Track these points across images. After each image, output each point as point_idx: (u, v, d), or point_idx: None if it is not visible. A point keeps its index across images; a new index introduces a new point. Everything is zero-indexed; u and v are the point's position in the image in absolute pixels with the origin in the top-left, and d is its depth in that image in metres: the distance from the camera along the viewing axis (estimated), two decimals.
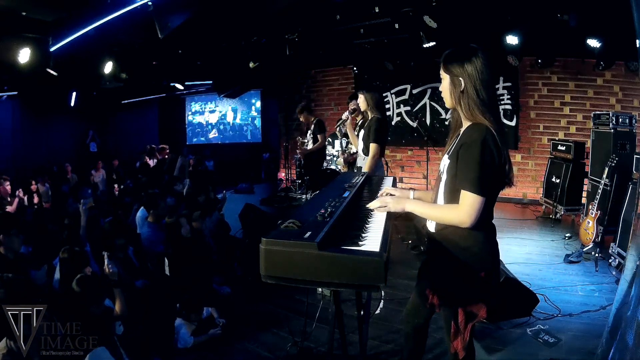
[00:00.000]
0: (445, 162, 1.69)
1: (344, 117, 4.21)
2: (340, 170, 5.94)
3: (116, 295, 2.58)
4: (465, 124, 1.67)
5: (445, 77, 1.68)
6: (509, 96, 7.18)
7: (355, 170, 4.06)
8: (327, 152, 7.11)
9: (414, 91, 8.05)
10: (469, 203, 1.52)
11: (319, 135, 6.51)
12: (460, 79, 1.61)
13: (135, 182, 6.39)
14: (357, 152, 4.59)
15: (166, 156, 9.55)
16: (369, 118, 3.86)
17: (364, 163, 3.84)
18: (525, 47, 6.06)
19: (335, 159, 6.95)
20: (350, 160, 4.64)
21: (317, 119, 6.87)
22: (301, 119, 6.71)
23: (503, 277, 2.92)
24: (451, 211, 1.59)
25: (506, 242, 4.82)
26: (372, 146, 3.69)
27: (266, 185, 9.89)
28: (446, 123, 7.47)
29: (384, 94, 8.31)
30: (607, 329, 2.21)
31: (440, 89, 1.75)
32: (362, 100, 3.89)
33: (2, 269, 2.76)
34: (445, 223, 1.63)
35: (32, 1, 4.44)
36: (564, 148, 5.81)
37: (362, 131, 3.92)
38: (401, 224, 5.27)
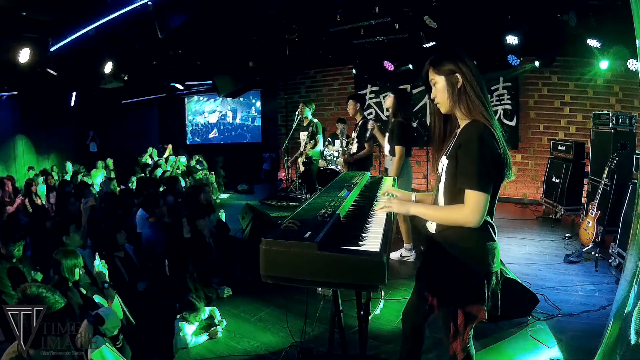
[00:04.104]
0: (443, 162, 1.68)
1: (369, 126, 4.41)
2: (340, 170, 5.94)
3: (107, 296, 2.56)
4: (462, 123, 1.66)
5: (439, 80, 1.64)
6: (509, 96, 7.17)
7: (384, 172, 4.33)
8: (327, 151, 7.10)
9: (414, 91, 8.04)
10: (474, 201, 1.51)
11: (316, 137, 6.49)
12: (457, 75, 1.59)
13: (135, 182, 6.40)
14: (356, 152, 4.67)
15: (168, 154, 9.52)
16: (392, 121, 4.08)
17: (391, 164, 4.09)
18: (525, 47, 6.06)
19: (335, 159, 6.94)
20: (351, 161, 4.65)
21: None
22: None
23: (503, 277, 2.92)
24: (457, 211, 1.56)
25: (506, 242, 4.83)
26: (397, 148, 3.95)
27: (266, 185, 9.88)
28: None
29: (383, 95, 8.31)
30: (607, 329, 2.20)
31: (432, 96, 1.69)
32: (389, 101, 4.11)
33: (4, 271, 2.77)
34: (452, 224, 1.60)
35: (32, 1, 4.44)
36: (564, 148, 5.81)
37: (387, 134, 4.16)
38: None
